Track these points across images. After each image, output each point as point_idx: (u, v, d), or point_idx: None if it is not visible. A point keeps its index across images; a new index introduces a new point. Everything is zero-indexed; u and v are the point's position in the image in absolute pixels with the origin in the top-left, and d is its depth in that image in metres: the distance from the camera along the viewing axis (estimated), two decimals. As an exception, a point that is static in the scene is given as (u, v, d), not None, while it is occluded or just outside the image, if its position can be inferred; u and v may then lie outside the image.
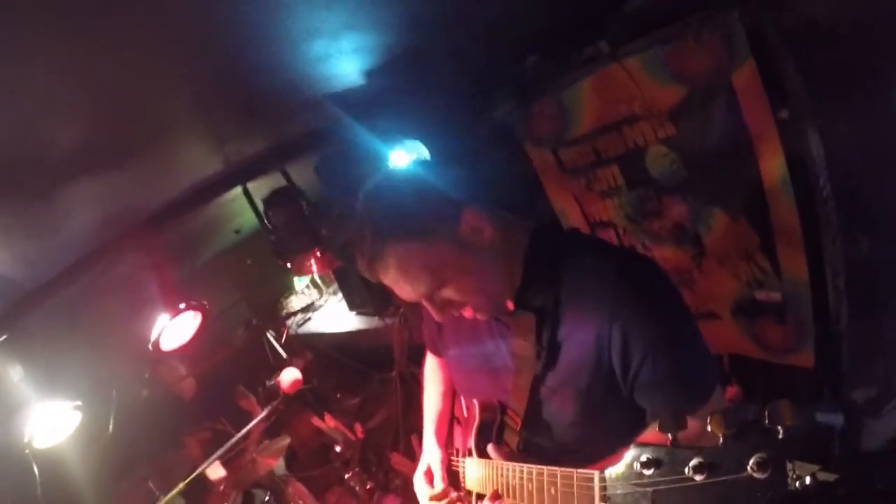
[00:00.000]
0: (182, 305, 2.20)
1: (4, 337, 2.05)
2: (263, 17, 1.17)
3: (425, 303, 1.27)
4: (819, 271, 2.01)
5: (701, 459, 0.83)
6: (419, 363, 3.41)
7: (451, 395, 1.74)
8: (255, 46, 1.29)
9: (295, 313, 4.32)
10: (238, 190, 2.57)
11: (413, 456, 3.46)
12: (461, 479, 1.56)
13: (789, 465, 0.74)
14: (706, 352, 1.25)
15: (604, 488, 0.99)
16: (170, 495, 2.52)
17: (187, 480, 2.57)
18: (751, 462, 0.77)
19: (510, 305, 1.33)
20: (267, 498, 3.28)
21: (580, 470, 1.07)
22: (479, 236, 1.23)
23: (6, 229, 1.46)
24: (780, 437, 0.76)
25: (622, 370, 1.19)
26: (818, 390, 2.21)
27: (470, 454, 1.50)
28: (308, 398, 3.50)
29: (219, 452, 2.63)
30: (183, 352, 2.35)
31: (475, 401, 1.49)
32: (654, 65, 2.06)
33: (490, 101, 2.64)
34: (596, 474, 1.02)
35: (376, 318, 3.53)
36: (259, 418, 2.55)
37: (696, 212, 2.27)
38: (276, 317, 4.31)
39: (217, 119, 1.67)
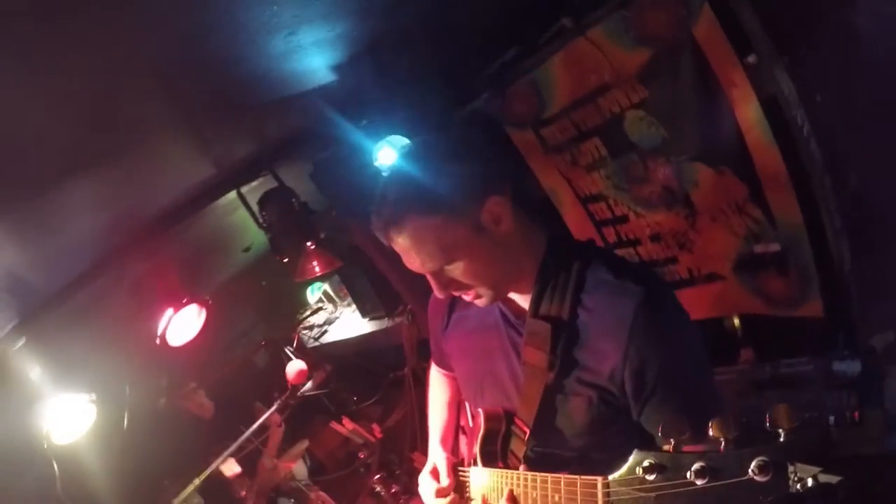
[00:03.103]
0: (185, 300, 2.29)
1: (23, 341, 2.13)
2: (223, 9, 1.18)
3: (430, 277, 1.28)
4: (814, 213, 1.99)
5: (703, 464, 0.85)
6: (427, 359, 3.46)
7: (457, 406, 1.74)
8: (221, 40, 1.31)
9: (311, 327, 4.36)
10: (237, 205, 2.66)
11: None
12: (466, 489, 1.55)
13: (790, 468, 0.75)
14: (712, 387, 1.28)
15: (607, 494, 1.01)
16: (186, 491, 2.59)
17: (202, 476, 2.63)
18: (752, 465, 0.79)
19: (524, 312, 1.33)
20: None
21: (584, 477, 1.09)
22: (498, 226, 1.22)
23: (18, 230, 1.49)
24: (781, 439, 0.78)
25: (634, 392, 1.20)
26: (832, 340, 2.16)
27: (475, 463, 1.49)
28: (327, 405, 3.55)
29: (232, 448, 2.69)
30: (190, 349, 2.43)
31: (480, 410, 1.48)
32: (617, 31, 2.07)
33: (467, 92, 2.66)
34: (599, 480, 1.03)
35: (386, 319, 3.57)
36: (271, 411, 2.61)
37: (681, 170, 2.25)
38: (292, 333, 4.38)
39: (199, 119, 1.70)
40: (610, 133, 2.36)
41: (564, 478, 1.15)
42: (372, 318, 3.75)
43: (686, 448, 0.89)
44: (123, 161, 1.58)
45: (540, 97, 2.45)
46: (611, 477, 1.00)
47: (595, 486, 1.04)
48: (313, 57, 1.75)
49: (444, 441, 1.68)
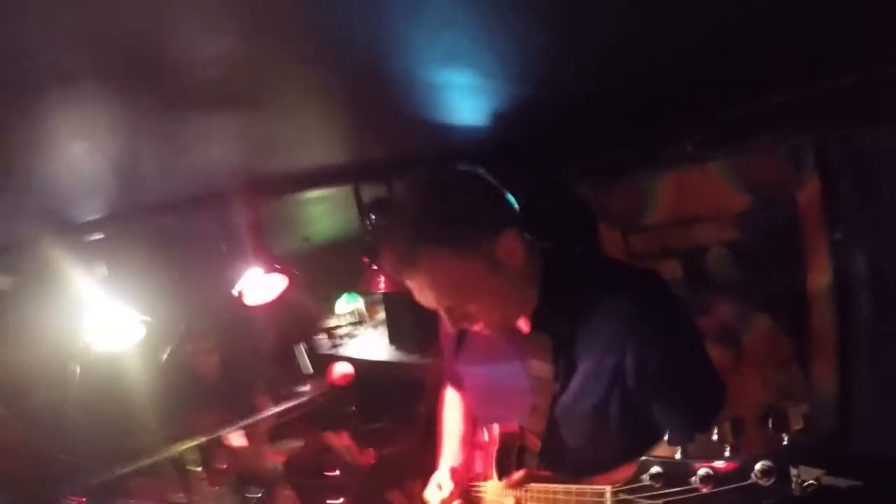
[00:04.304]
0: (276, 265, 2.38)
1: (101, 236, 2.15)
2: (403, 32, 1.21)
3: (443, 313, 1.29)
4: (848, 388, 2.14)
5: (708, 470, 0.87)
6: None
7: (472, 421, 1.75)
8: (394, 59, 1.34)
9: (331, 335, 4.44)
10: (314, 200, 2.87)
11: (412, 501, 3.45)
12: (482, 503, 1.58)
13: (794, 471, 0.77)
14: (713, 372, 1.31)
15: (616, 502, 1.05)
16: (189, 444, 2.65)
17: (210, 437, 2.69)
18: (755, 469, 0.80)
19: (526, 328, 1.37)
20: (259, 494, 3.31)
21: (592, 486, 1.14)
22: (511, 259, 1.25)
23: (142, 133, 1.44)
24: (784, 443, 0.81)
25: (638, 381, 1.23)
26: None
27: (491, 478, 1.52)
28: (330, 411, 3.59)
29: (248, 421, 2.77)
30: (263, 311, 2.50)
31: (496, 425, 1.51)
32: (731, 172, 2.33)
33: (572, 175, 2.95)
34: (607, 489, 1.07)
35: (416, 355, 3.67)
36: (299, 402, 2.70)
37: (744, 315, 2.43)
38: (310, 333, 4.48)
39: (355, 103, 1.75)
40: (691, 260, 2.56)
41: (574, 488, 1.20)
42: (400, 349, 3.86)
43: (692, 455, 0.92)
44: (271, 112, 1.58)
45: (641, 206, 2.69)
46: (618, 485, 1.03)
47: (603, 494, 1.08)
48: (469, 98, 1.83)
49: (454, 454, 1.70)
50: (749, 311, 2.42)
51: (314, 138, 2.08)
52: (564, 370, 1.31)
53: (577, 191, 2.96)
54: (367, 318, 4.61)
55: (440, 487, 1.60)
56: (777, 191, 2.21)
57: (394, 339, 3.93)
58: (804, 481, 0.77)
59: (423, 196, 1.29)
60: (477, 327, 1.34)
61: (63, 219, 2.12)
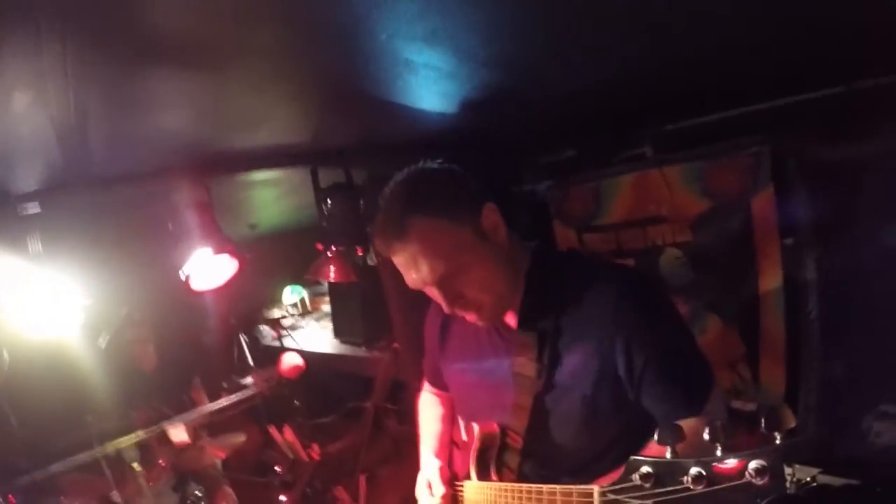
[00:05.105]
0: (227, 247, 2.23)
1: (37, 209, 1.97)
2: (389, 4, 1.19)
3: (437, 290, 1.28)
4: (794, 388, 2.23)
5: (700, 469, 0.85)
6: (395, 401, 3.45)
7: (450, 420, 1.74)
8: (372, 34, 1.31)
9: (276, 323, 4.30)
10: (260, 184, 2.76)
11: (357, 498, 3.38)
12: (461, 503, 1.55)
13: (788, 470, 0.77)
14: (701, 355, 1.32)
15: (604, 503, 1.02)
16: (128, 440, 2.50)
17: (150, 430, 2.55)
18: (749, 468, 0.79)
19: (513, 323, 1.37)
20: (198, 492, 3.17)
21: (579, 486, 1.12)
22: (496, 233, 1.29)
23: (94, 90, 1.34)
24: (778, 442, 0.79)
25: (627, 372, 1.24)
26: None
27: (469, 477, 1.50)
28: (271, 406, 3.48)
29: (189, 415, 2.63)
30: (208, 297, 2.35)
31: (474, 424, 1.49)
32: (691, 177, 2.39)
33: (529, 172, 2.96)
34: (595, 489, 1.05)
35: (362, 348, 3.60)
36: (242, 396, 2.59)
37: (695, 315, 2.50)
38: (253, 324, 4.33)
39: (322, 88, 1.72)
40: (645, 260, 2.62)
41: (560, 488, 1.17)
42: (345, 342, 3.78)
43: (681, 448, 0.90)
44: (232, 83, 1.53)
45: (598, 205, 2.74)
46: (607, 485, 1.01)
47: (591, 494, 1.06)
48: (436, 83, 1.79)
49: (437, 453, 1.68)
50: (700, 311, 2.49)
51: (275, 115, 1.98)
52: (548, 367, 1.30)
53: (534, 187, 2.97)
54: (310, 310, 4.51)
55: (431, 489, 1.57)
56: (733, 197, 2.28)
57: (339, 331, 3.85)
58: (799, 480, 0.76)
59: (409, 176, 1.32)
60: (471, 317, 1.34)
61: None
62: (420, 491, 1.62)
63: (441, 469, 1.60)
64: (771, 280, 2.25)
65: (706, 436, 0.86)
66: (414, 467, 1.70)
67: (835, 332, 2.09)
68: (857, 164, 1.95)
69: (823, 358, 2.12)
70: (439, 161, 1.36)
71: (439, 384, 1.75)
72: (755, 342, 2.33)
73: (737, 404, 2.41)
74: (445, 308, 1.32)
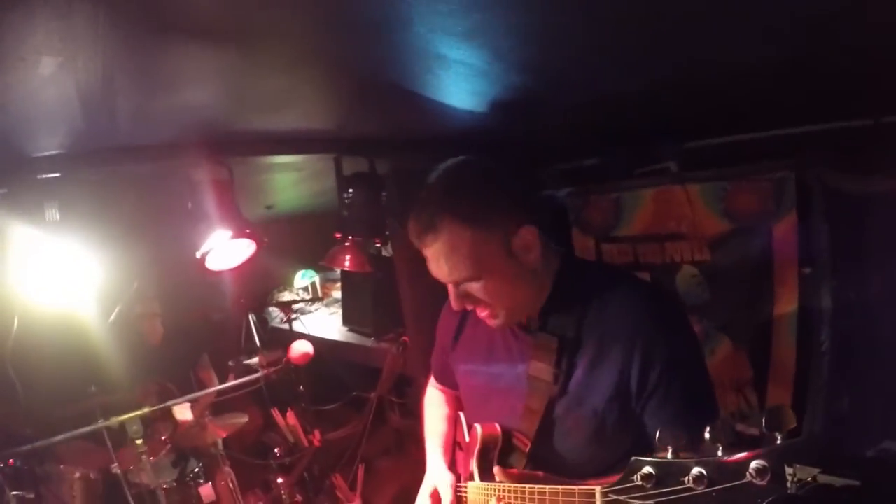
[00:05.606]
0: (247, 230, 2.23)
1: (56, 175, 1.94)
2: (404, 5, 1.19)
3: (451, 288, 1.31)
4: (799, 417, 2.20)
5: (701, 469, 0.85)
6: (400, 395, 3.46)
7: (455, 421, 1.73)
8: (411, 26, 1.30)
9: (286, 306, 4.32)
10: (280, 168, 2.74)
11: (354, 486, 3.41)
12: None
13: (788, 470, 0.77)
14: (711, 385, 1.33)
15: (606, 503, 1.03)
16: (133, 414, 2.52)
17: (154, 408, 2.58)
18: (750, 468, 0.80)
19: (533, 326, 1.38)
20: (197, 469, 3.21)
21: (581, 486, 1.13)
22: (527, 254, 1.28)
23: (121, 59, 1.31)
24: (779, 442, 0.79)
25: (639, 388, 1.24)
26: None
27: (472, 478, 1.50)
28: (275, 391, 3.50)
29: (195, 395, 2.65)
30: (221, 277, 2.35)
31: (477, 425, 1.49)
32: (714, 196, 2.37)
33: (549, 177, 2.95)
34: (597, 489, 1.05)
35: (370, 338, 3.60)
36: (248, 378, 2.61)
37: (707, 335, 2.48)
38: (263, 305, 4.36)
39: (350, 77, 1.72)
40: (661, 275, 2.60)
41: (562, 488, 1.18)
42: (353, 331, 3.79)
43: (683, 454, 0.90)
44: (262, 63, 1.52)
45: (618, 216, 2.73)
46: (608, 485, 1.02)
47: (593, 495, 1.06)
48: (466, 80, 1.78)
49: (443, 456, 1.67)
50: (713, 332, 2.47)
51: (303, 99, 1.97)
52: (566, 373, 1.31)
53: (553, 192, 2.96)
54: (321, 296, 4.52)
55: (435, 496, 1.57)
56: (754, 220, 2.26)
57: (348, 319, 3.86)
58: (800, 480, 0.76)
59: (456, 172, 1.32)
60: (483, 314, 1.35)
61: (14, 149, 1.88)
62: (423, 495, 1.61)
63: (452, 484, 1.57)
64: (786, 307, 2.23)
65: (707, 436, 0.87)
66: (413, 461, 1.70)
67: (844, 365, 2.07)
68: (875, 198, 1.93)
69: (830, 390, 2.09)
70: (489, 159, 1.35)
71: (446, 381, 1.75)
72: (765, 368, 2.31)
73: (740, 427, 2.39)
74: (454, 304, 1.34)
